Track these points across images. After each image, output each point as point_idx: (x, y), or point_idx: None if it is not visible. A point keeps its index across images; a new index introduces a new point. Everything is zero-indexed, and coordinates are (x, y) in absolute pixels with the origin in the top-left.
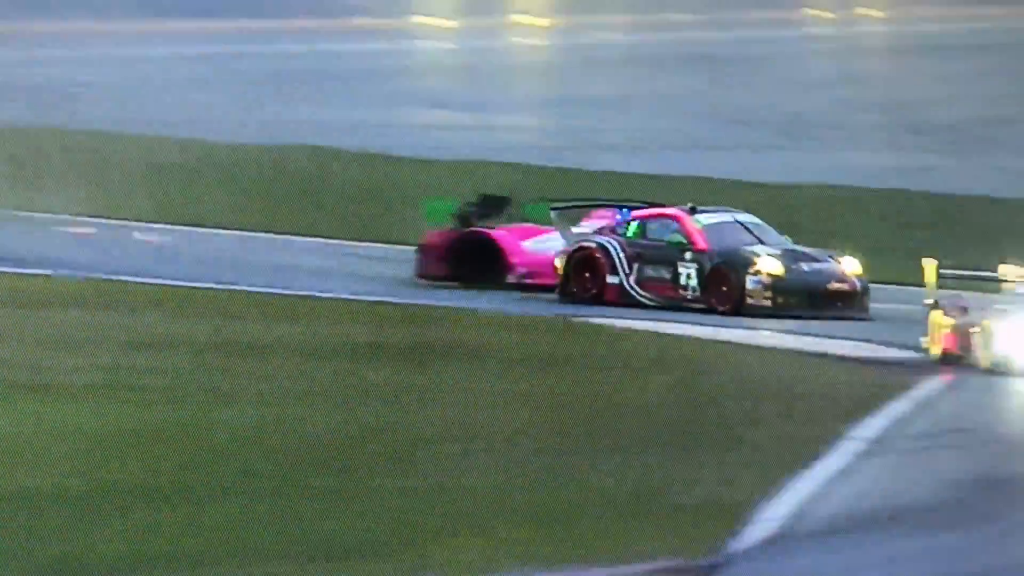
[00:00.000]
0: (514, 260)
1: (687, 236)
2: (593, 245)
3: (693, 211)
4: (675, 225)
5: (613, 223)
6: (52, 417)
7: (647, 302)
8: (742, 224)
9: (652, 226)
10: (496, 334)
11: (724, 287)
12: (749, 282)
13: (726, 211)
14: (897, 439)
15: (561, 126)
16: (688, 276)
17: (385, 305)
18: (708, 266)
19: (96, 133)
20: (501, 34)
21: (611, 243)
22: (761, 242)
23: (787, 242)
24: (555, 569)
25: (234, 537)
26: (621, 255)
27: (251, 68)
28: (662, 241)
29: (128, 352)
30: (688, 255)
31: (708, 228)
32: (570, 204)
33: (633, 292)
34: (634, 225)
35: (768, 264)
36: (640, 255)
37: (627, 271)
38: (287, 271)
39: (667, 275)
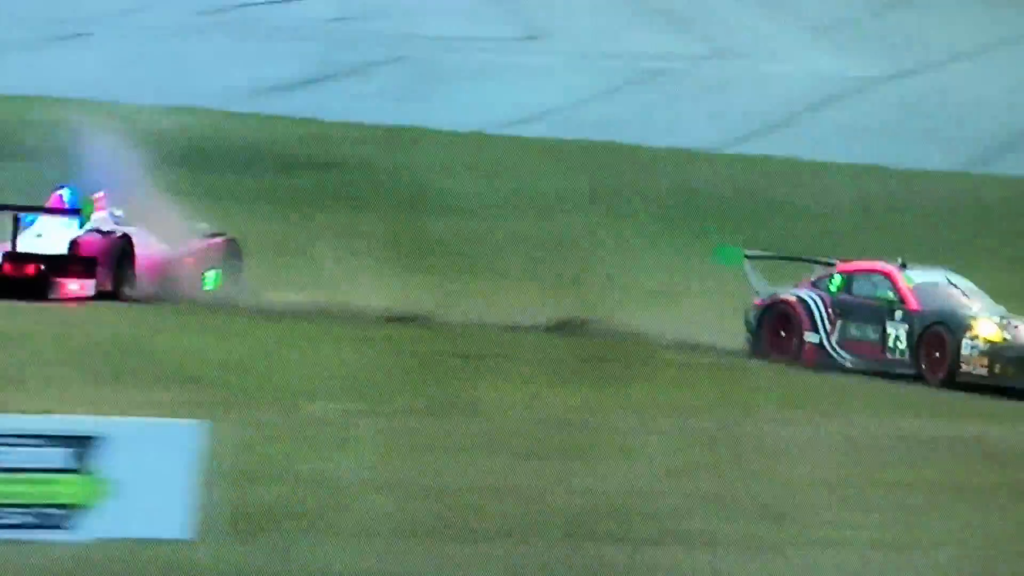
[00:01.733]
0: None
1: (898, 293)
2: (792, 299)
3: (903, 266)
4: (884, 281)
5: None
6: None
7: (848, 365)
8: (954, 284)
9: (858, 281)
10: None
11: (937, 352)
12: (965, 347)
13: (938, 269)
14: None
15: None
16: (897, 338)
17: None
18: (920, 327)
19: None
20: None
21: (812, 297)
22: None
23: (1002, 309)
24: None
25: None
26: (823, 311)
27: None
28: (870, 298)
29: None
30: (899, 314)
31: (919, 287)
32: (767, 255)
33: (834, 353)
34: (838, 278)
35: (986, 328)
36: (844, 312)
37: (828, 329)
38: None
39: (874, 335)
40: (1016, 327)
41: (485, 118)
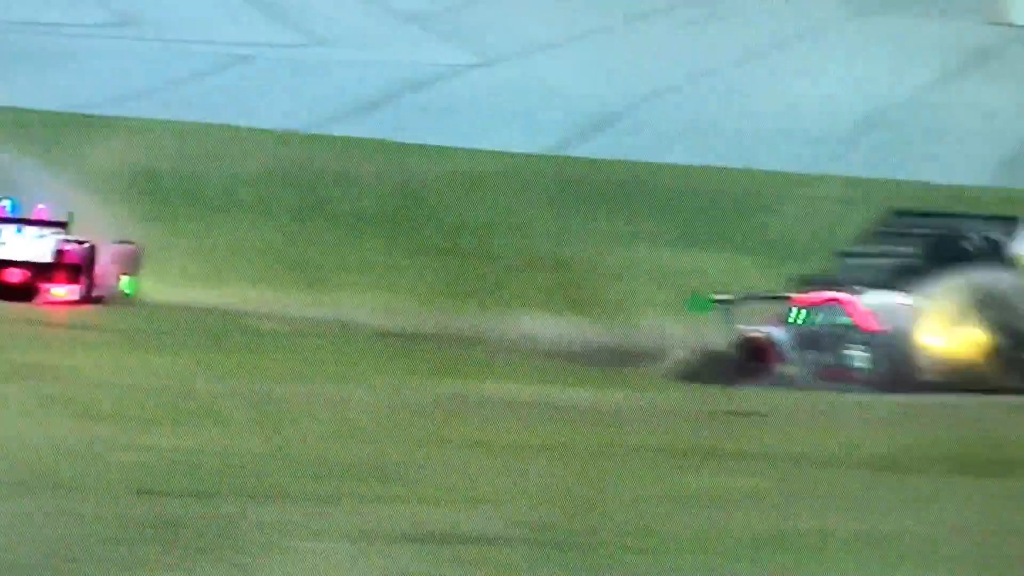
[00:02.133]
0: None
1: (853, 319)
2: (760, 335)
3: (857, 292)
4: (841, 309)
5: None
6: None
7: (820, 387)
8: (905, 303)
9: (818, 312)
10: None
11: (900, 368)
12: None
13: (887, 292)
14: None
15: None
16: (860, 359)
17: None
18: (883, 349)
19: None
20: None
21: (778, 333)
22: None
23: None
24: None
25: None
26: (789, 344)
27: None
28: (833, 326)
29: None
30: (859, 337)
31: (876, 309)
32: (731, 299)
33: (804, 380)
34: (799, 312)
35: (935, 342)
36: (810, 343)
37: (796, 359)
38: None
39: (843, 361)
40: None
41: (76, 100)
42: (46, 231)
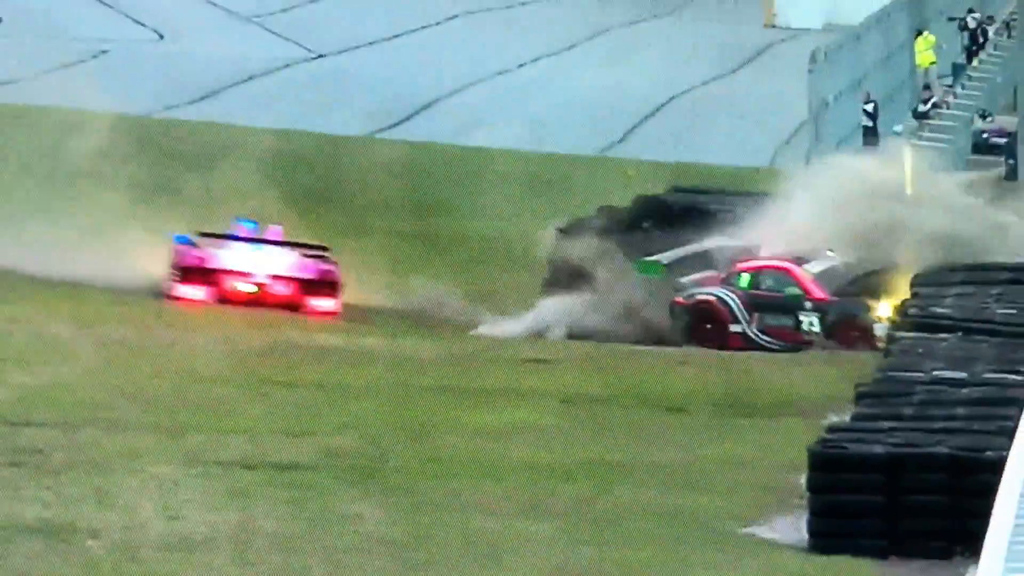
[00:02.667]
0: None
1: (801, 287)
2: (713, 298)
3: (799, 261)
4: (786, 276)
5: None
6: None
7: (769, 346)
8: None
9: (763, 277)
10: None
11: (854, 332)
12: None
13: (827, 259)
14: None
15: None
16: (811, 323)
17: None
18: (833, 316)
19: None
20: None
21: (728, 295)
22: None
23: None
24: None
25: None
26: (740, 306)
27: None
28: (779, 292)
29: None
30: (808, 304)
31: (818, 277)
32: (678, 257)
33: (756, 338)
34: (745, 277)
35: (884, 311)
36: (758, 306)
37: (748, 320)
38: None
39: (788, 322)
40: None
41: None
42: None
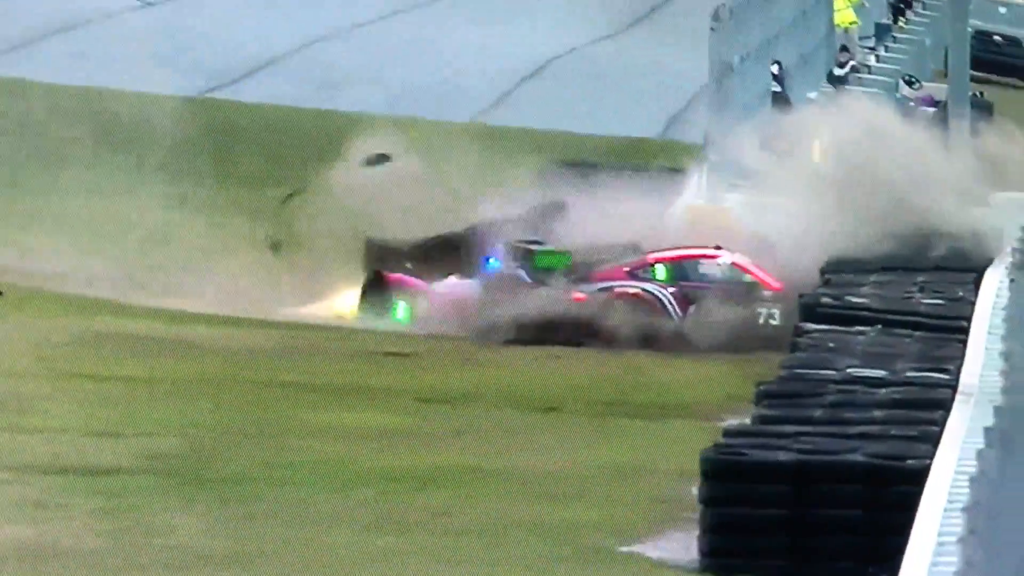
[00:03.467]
0: None
1: (751, 276)
2: (640, 291)
3: (719, 248)
4: (728, 266)
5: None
6: None
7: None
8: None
9: (691, 268)
10: None
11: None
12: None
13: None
14: None
15: None
16: (770, 315)
17: None
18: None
19: None
20: None
21: (656, 289)
22: None
23: None
24: None
25: None
26: (671, 300)
27: None
28: (726, 282)
29: None
30: (766, 295)
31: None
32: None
33: (692, 336)
34: (663, 268)
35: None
36: (695, 298)
37: (680, 315)
38: None
39: (739, 315)
40: None
41: None
42: None
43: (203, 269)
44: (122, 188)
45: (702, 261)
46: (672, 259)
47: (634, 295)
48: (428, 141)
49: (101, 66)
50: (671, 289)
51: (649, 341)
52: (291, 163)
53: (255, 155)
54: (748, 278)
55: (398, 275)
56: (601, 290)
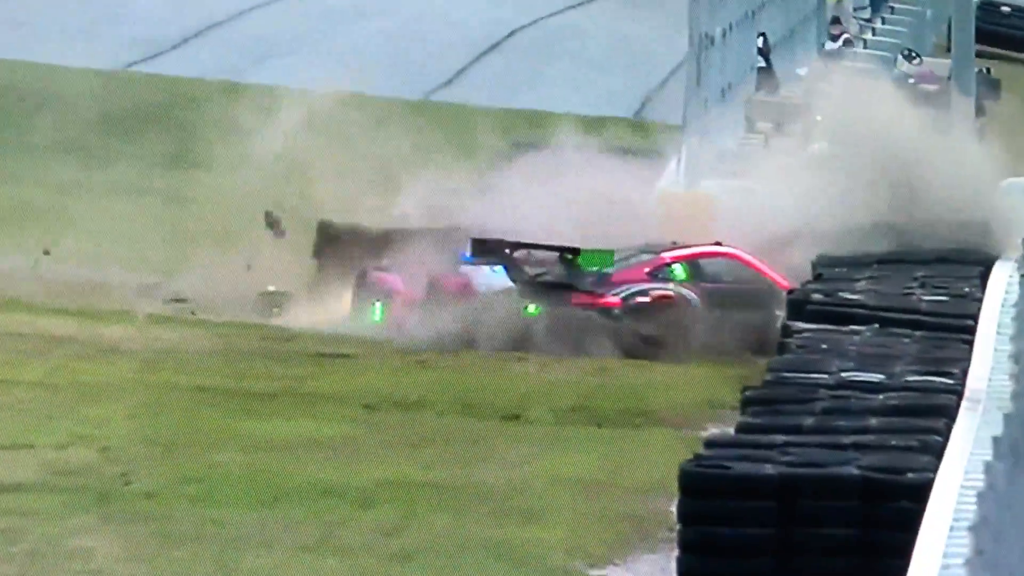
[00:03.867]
0: None
1: (761, 275)
2: (672, 294)
3: (719, 244)
4: (737, 264)
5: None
6: None
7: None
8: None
9: (706, 267)
10: None
11: None
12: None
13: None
14: None
15: None
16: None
17: None
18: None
19: None
20: None
21: (687, 292)
22: None
23: None
24: None
25: None
26: (699, 303)
27: None
28: (742, 282)
29: None
30: (781, 295)
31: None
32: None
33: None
34: (681, 268)
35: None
36: (720, 302)
37: (707, 318)
38: None
39: (761, 320)
40: None
41: None
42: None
43: (112, 257)
44: (25, 169)
45: (716, 259)
46: (688, 257)
47: (669, 298)
48: (369, 121)
49: (14, 37)
50: (695, 290)
51: (680, 347)
52: (205, 141)
53: (169, 133)
54: (764, 278)
55: (378, 273)
56: (634, 293)
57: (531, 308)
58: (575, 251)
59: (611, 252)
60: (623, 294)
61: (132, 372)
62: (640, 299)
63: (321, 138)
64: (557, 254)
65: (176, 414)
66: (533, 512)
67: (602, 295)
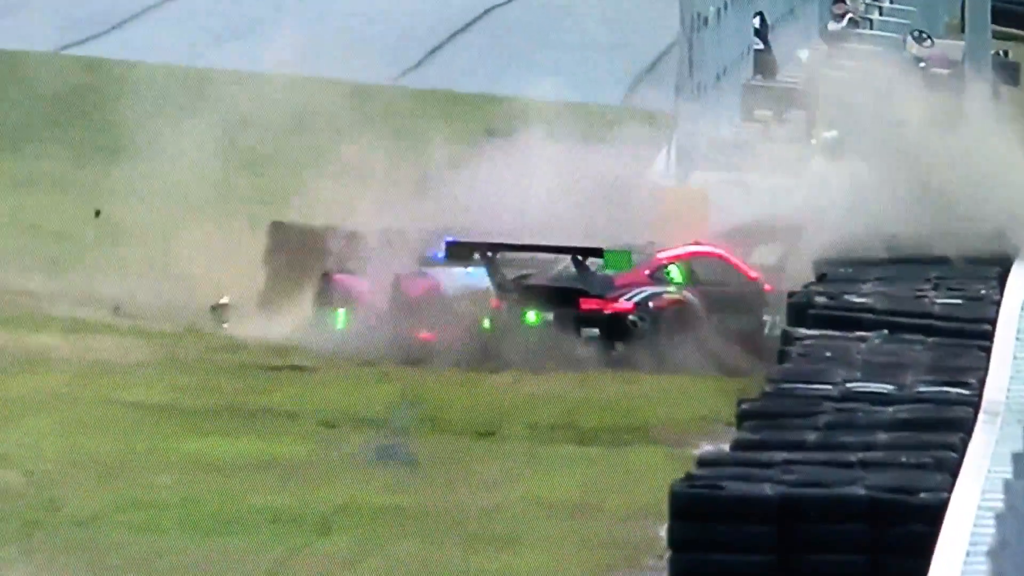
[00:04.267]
0: None
1: (744, 275)
2: (685, 299)
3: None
4: (722, 264)
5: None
6: None
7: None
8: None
9: (698, 268)
10: None
11: None
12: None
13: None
14: None
15: None
16: (773, 325)
17: None
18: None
19: None
20: None
21: (690, 295)
22: None
23: None
24: None
25: None
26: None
27: None
28: (729, 287)
29: None
30: (769, 299)
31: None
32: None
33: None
34: (678, 269)
35: None
36: (719, 306)
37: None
38: None
39: (753, 325)
40: None
41: None
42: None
43: (35, 257)
44: None
45: (703, 259)
46: (681, 257)
47: (682, 302)
48: (329, 109)
49: None
50: (694, 293)
51: (690, 355)
52: (145, 130)
53: (105, 121)
54: (751, 281)
55: (341, 276)
56: (645, 298)
57: (531, 317)
58: (597, 252)
59: (628, 252)
60: (635, 298)
61: (61, 386)
62: (654, 303)
63: (275, 127)
64: (537, 255)
65: (111, 433)
66: (509, 538)
67: (615, 299)
